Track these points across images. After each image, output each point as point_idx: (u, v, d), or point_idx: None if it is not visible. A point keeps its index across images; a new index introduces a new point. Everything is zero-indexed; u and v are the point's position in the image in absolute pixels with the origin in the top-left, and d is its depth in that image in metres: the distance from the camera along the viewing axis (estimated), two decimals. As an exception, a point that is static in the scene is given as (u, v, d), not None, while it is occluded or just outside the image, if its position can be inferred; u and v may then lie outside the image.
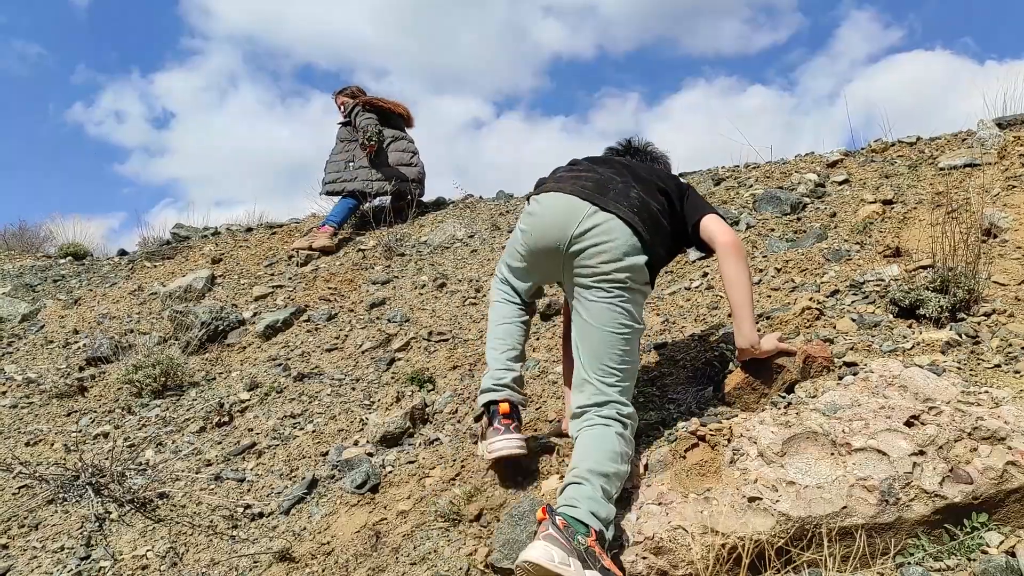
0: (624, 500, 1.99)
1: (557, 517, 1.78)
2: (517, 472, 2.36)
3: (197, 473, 2.97)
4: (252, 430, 3.25)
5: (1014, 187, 3.39)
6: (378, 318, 4.21)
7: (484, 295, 4.21)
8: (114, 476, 2.86)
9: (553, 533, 1.73)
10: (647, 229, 2.13)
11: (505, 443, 2.23)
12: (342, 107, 6.30)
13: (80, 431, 3.52)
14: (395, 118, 6.24)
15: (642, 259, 2.10)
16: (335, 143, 6.23)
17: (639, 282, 2.13)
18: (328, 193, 6.07)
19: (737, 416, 2.19)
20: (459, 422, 2.93)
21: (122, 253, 6.97)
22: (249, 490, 2.81)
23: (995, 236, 3.01)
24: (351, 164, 6.02)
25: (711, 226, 2.27)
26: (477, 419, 2.45)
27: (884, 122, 7.00)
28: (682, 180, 2.42)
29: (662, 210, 2.23)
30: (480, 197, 6.56)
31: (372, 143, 5.84)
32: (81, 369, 4.28)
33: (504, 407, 2.27)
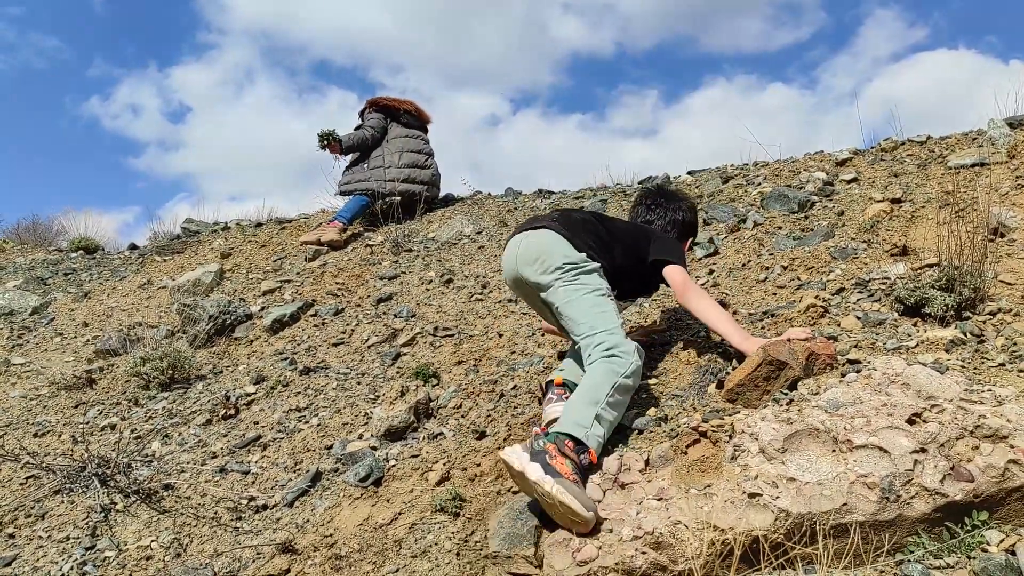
0: (624, 494, 1.99)
1: (546, 433, 2.13)
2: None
3: (202, 465, 2.99)
4: (258, 423, 3.27)
5: (1023, 186, 3.37)
6: (385, 313, 4.23)
7: (490, 291, 4.21)
8: (120, 467, 2.88)
9: (531, 442, 2.07)
10: (568, 229, 2.58)
11: None
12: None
13: (88, 423, 3.55)
14: (405, 115, 6.26)
15: (569, 246, 2.52)
16: None
17: (583, 263, 2.50)
18: (342, 193, 6.12)
19: (739, 413, 2.19)
20: (463, 417, 2.93)
21: (132, 247, 7.02)
22: (254, 482, 2.82)
23: (1003, 235, 2.99)
24: (365, 165, 6.07)
25: (666, 274, 2.63)
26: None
27: (897, 121, 6.95)
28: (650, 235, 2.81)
29: (586, 218, 2.72)
30: (488, 194, 6.57)
31: (327, 142, 5.98)
32: (90, 361, 4.32)
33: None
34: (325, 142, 5.95)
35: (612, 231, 2.72)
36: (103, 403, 3.75)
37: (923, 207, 3.53)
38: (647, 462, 2.10)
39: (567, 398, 2.43)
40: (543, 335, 3.45)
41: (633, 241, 2.73)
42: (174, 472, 2.95)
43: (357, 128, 6.23)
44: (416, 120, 6.33)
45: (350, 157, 6.25)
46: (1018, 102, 4.73)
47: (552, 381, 2.59)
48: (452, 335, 3.76)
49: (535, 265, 2.52)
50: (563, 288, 2.46)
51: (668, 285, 2.66)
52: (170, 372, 3.82)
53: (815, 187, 4.23)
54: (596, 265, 2.53)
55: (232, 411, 3.41)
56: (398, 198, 5.95)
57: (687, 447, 2.06)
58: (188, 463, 3.01)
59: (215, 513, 2.64)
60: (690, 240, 3.03)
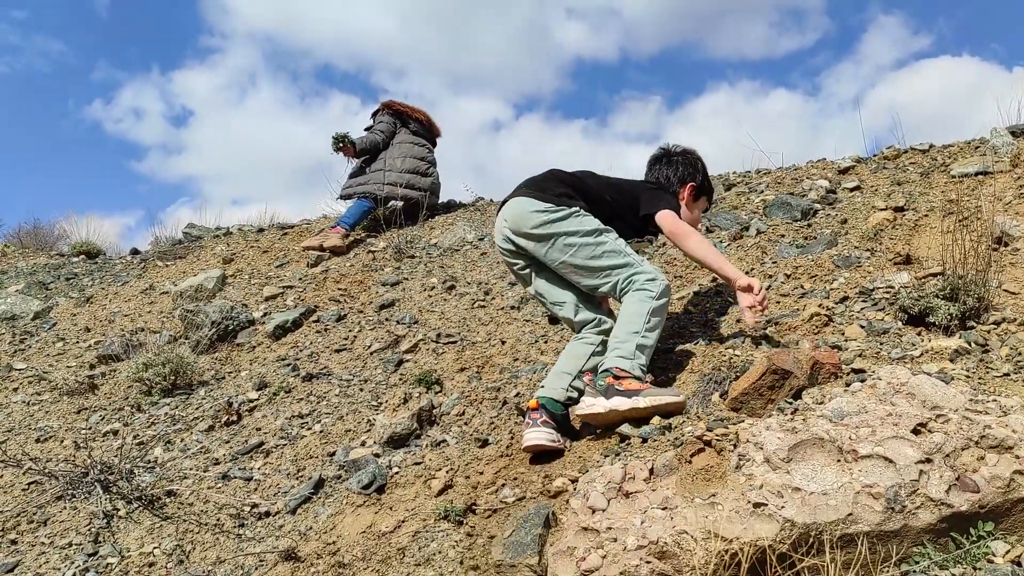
0: (629, 503, 1.99)
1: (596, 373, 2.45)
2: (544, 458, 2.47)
3: (205, 471, 2.98)
4: (260, 429, 3.27)
5: (1027, 195, 3.37)
6: (387, 319, 4.23)
7: (493, 298, 4.21)
8: (123, 473, 2.88)
9: (592, 389, 2.39)
10: (533, 187, 2.72)
11: None
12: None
13: (90, 428, 3.55)
14: (414, 123, 6.29)
15: (537, 202, 2.65)
16: None
17: (556, 210, 2.63)
18: (343, 197, 6.14)
19: (743, 422, 2.18)
20: (466, 424, 2.93)
21: (134, 252, 7.03)
22: (256, 489, 2.82)
23: (1006, 244, 2.99)
24: (367, 168, 6.09)
25: (658, 220, 2.76)
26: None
27: (899, 128, 6.97)
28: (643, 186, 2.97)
29: (550, 172, 2.82)
30: (491, 200, 6.57)
31: (342, 144, 5.99)
32: (92, 367, 4.32)
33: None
34: (340, 144, 5.99)
35: (583, 175, 2.87)
36: (105, 408, 3.74)
37: (926, 216, 3.53)
38: (651, 471, 2.10)
39: (543, 422, 2.45)
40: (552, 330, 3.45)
41: (621, 193, 2.88)
42: (176, 478, 2.95)
43: (367, 129, 6.27)
44: (425, 131, 6.36)
45: (360, 160, 6.27)
46: (1021, 110, 4.73)
47: (529, 406, 2.54)
48: (455, 342, 3.76)
49: (519, 230, 2.68)
50: (555, 248, 2.62)
51: (661, 231, 2.79)
52: (172, 378, 3.82)
53: (818, 195, 4.23)
54: (573, 209, 2.65)
55: (235, 417, 3.41)
56: (400, 203, 5.96)
57: (691, 456, 2.06)
58: (191, 469, 3.01)
59: (218, 520, 2.64)
60: (705, 198, 3.12)
